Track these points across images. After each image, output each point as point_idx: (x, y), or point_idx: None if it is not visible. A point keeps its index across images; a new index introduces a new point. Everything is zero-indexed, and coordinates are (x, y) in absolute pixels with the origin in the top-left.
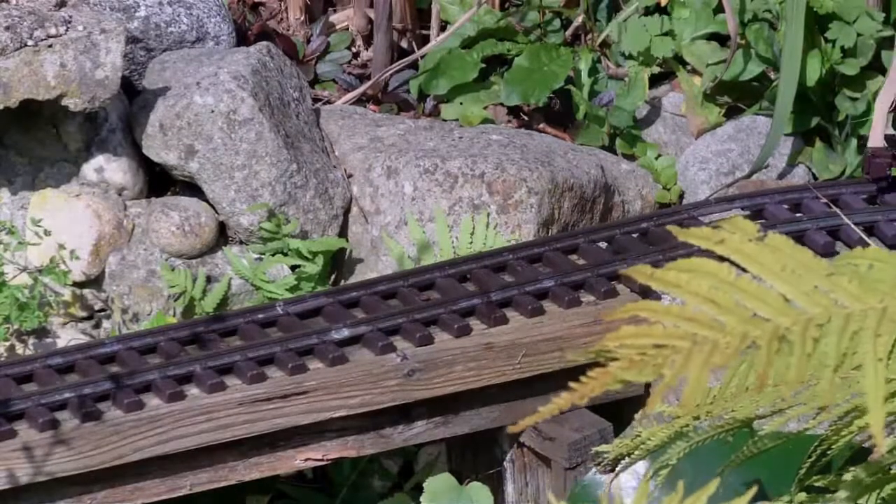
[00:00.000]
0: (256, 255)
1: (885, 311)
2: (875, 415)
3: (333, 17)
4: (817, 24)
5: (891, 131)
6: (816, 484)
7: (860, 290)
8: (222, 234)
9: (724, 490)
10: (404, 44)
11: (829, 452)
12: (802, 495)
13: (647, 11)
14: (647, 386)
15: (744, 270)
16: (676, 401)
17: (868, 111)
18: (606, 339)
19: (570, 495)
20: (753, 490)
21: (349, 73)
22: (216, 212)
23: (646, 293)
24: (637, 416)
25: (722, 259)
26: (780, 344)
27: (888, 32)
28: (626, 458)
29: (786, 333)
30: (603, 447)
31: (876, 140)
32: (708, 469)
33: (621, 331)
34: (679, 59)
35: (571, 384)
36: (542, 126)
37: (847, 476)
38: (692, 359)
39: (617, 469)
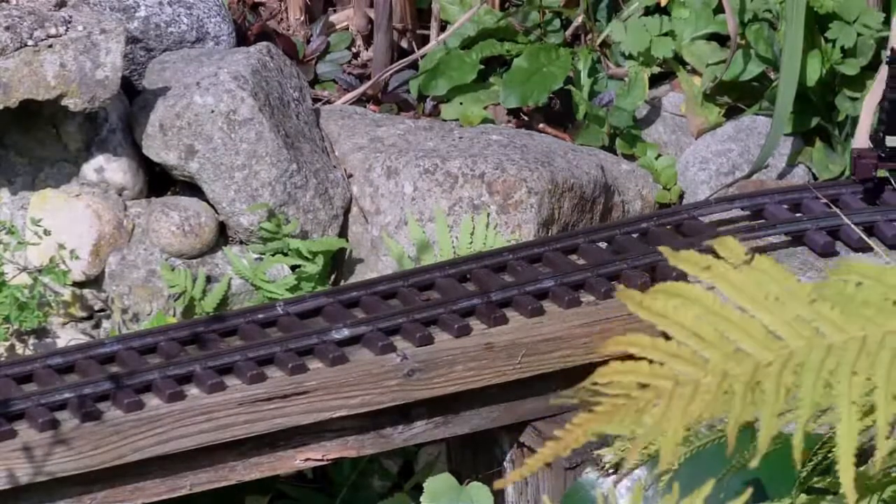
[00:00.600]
0: (256, 255)
1: (864, 340)
2: (845, 465)
3: (333, 17)
4: (817, 24)
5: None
6: (818, 485)
7: (842, 318)
8: (222, 234)
9: (725, 492)
10: (404, 44)
11: (829, 455)
12: (803, 497)
13: (647, 11)
14: None
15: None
16: None
17: None
18: (596, 375)
19: (565, 495)
20: (749, 491)
21: (349, 73)
22: (216, 212)
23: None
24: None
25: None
26: (754, 393)
27: (888, 32)
28: (627, 462)
29: (762, 378)
30: (604, 451)
31: (861, 141)
32: (708, 472)
33: (610, 366)
34: (679, 59)
35: (556, 432)
36: (542, 126)
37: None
38: (672, 407)
39: (619, 474)
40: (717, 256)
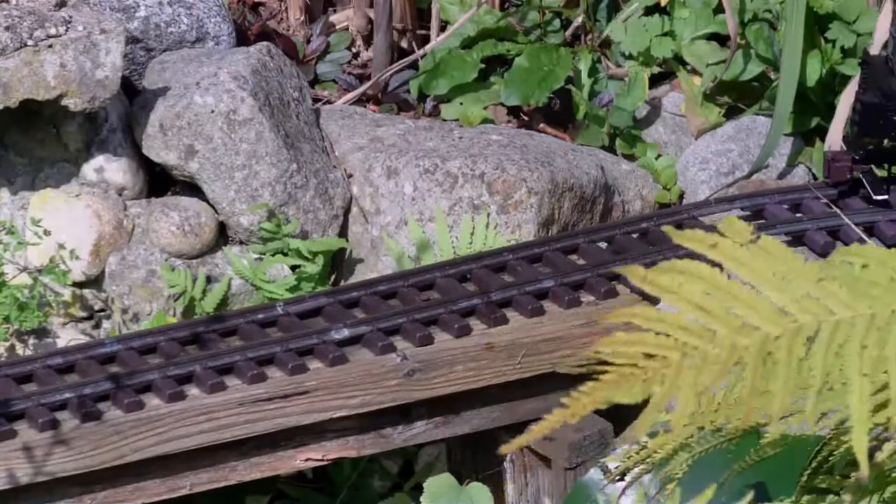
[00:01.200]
0: (256, 255)
1: (873, 317)
2: (858, 435)
3: (333, 17)
4: (817, 24)
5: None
6: (820, 486)
7: (850, 296)
8: (222, 234)
9: (727, 495)
10: (404, 44)
11: (830, 458)
12: (805, 498)
13: (647, 11)
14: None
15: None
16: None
17: None
18: (601, 343)
19: (568, 496)
20: (750, 495)
21: (349, 73)
22: (216, 212)
23: (646, 293)
24: (623, 435)
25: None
26: (766, 364)
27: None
28: (633, 470)
29: (772, 349)
30: (610, 459)
31: (835, 143)
32: (711, 476)
33: (615, 336)
34: (679, 59)
35: (563, 400)
36: (542, 126)
37: (852, 478)
38: (681, 377)
39: (625, 482)
40: (723, 236)
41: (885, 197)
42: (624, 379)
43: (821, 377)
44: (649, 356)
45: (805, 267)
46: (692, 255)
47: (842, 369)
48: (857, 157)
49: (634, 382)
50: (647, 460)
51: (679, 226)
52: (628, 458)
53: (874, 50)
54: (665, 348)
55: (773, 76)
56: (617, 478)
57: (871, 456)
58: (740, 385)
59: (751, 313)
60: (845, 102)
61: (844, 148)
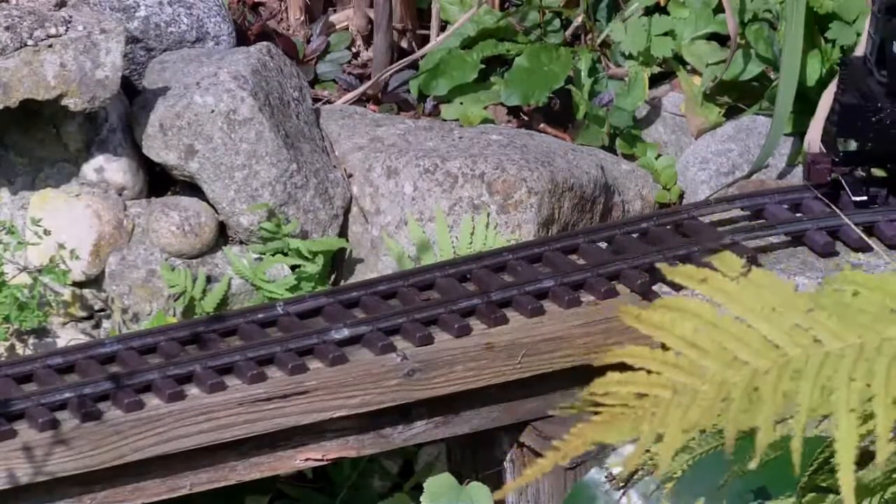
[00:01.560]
0: (256, 255)
1: (861, 347)
2: (845, 473)
3: (333, 17)
4: (817, 24)
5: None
6: (822, 485)
7: (840, 326)
8: (222, 234)
9: (728, 498)
10: (404, 44)
11: (831, 459)
12: (806, 497)
13: (647, 11)
14: None
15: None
16: None
17: None
18: (594, 385)
19: (568, 496)
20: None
21: (349, 73)
22: (216, 212)
23: (646, 294)
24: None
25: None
26: (751, 400)
27: None
28: (636, 473)
29: (759, 384)
30: (614, 463)
31: (815, 144)
32: (711, 479)
33: (608, 377)
34: (679, 59)
35: (555, 443)
36: (542, 126)
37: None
38: (669, 415)
39: (628, 485)
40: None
41: (865, 198)
42: (614, 419)
43: (805, 414)
44: (641, 395)
45: (795, 297)
46: (687, 259)
47: (831, 401)
48: (836, 159)
49: (624, 422)
50: (650, 463)
51: (679, 226)
52: (633, 462)
53: (859, 51)
54: (656, 386)
55: (773, 76)
56: (621, 483)
57: (866, 461)
58: (725, 419)
59: (741, 347)
60: (824, 104)
61: (823, 150)
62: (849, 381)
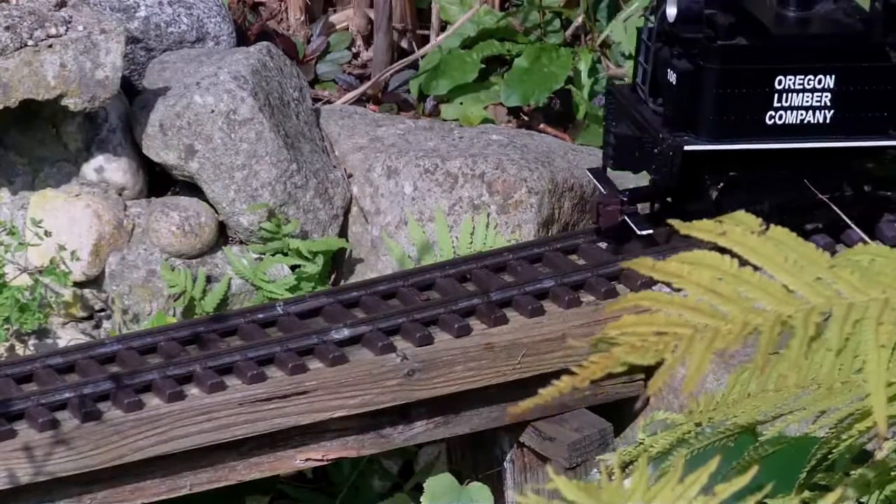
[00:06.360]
0: (256, 255)
1: (887, 301)
2: (877, 399)
3: (333, 17)
4: None
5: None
6: (821, 483)
7: (862, 282)
8: (222, 234)
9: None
10: (404, 44)
11: (829, 456)
12: (804, 494)
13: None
14: (646, 378)
15: (745, 263)
16: (679, 408)
17: None
18: (608, 328)
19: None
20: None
21: (349, 73)
22: (216, 212)
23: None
24: (643, 423)
25: (724, 252)
26: (783, 327)
27: None
28: (630, 465)
29: (788, 319)
30: (606, 455)
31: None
32: (711, 475)
33: (623, 319)
34: None
35: (573, 367)
36: (542, 126)
37: (854, 474)
38: (695, 343)
39: (623, 476)
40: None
41: (650, 231)
42: (635, 349)
43: (838, 341)
44: (660, 334)
45: (816, 254)
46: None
47: (858, 340)
48: (625, 199)
49: (646, 351)
50: (644, 454)
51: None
52: (626, 454)
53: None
54: (676, 325)
55: None
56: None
57: (871, 455)
58: (754, 366)
59: (762, 296)
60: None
61: (600, 185)
62: (877, 325)
